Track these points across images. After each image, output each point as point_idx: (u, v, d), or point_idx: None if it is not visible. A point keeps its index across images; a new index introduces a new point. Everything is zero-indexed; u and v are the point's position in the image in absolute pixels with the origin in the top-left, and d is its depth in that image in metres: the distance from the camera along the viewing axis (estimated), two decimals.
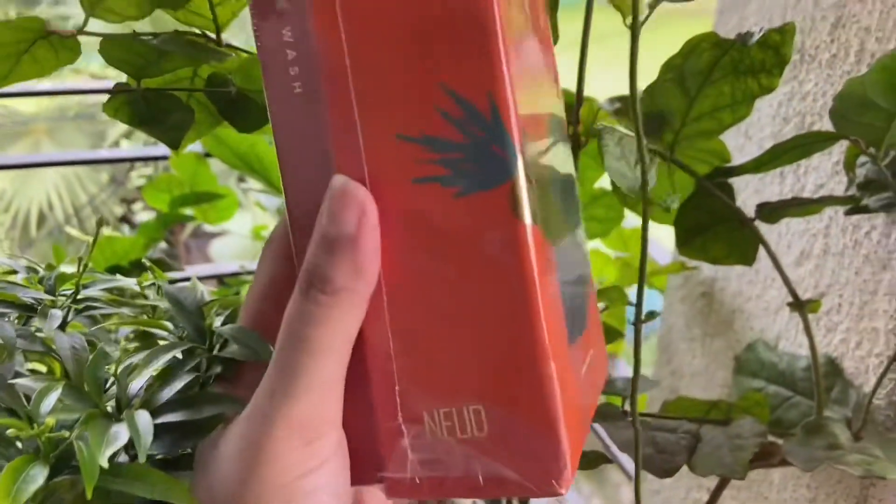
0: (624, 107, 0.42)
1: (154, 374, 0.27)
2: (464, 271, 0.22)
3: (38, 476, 0.22)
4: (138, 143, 3.89)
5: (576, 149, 0.40)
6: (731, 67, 0.38)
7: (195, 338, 0.28)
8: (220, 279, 0.97)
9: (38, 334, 0.38)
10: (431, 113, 0.22)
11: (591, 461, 0.43)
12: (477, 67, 0.21)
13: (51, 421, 0.23)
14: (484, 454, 0.23)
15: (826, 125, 0.45)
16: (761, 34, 0.36)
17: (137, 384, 0.27)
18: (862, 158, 0.41)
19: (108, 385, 0.30)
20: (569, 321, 0.25)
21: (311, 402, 0.22)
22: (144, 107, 0.35)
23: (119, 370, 0.27)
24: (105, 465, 0.22)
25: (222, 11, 0.35)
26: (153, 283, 0.41)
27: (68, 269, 0.43)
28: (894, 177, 0.39)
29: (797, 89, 0.46)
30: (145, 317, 0.40)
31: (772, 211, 0.42)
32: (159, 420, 0.24)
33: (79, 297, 0.40)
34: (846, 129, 0.37)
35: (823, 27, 0.44)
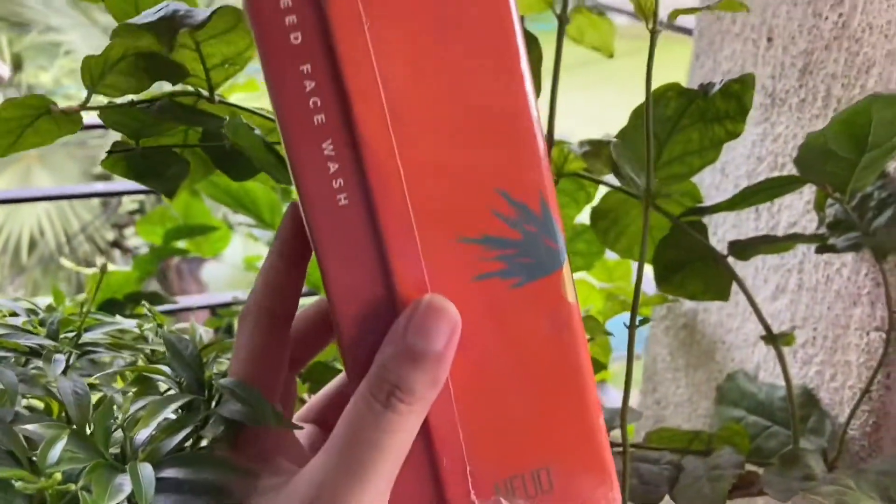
0: (594, 150, 0.44)
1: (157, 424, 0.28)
2: (522, 351, 0.25)
3: None
4: None
5: None
6: (699, 115, 0.40)
7: (195, 389, 0.29)
8: (212, 310, 0.98)
9: (36, 372, 0.39)
10: (489, 216, 0.24)
11: None
12: (529, 174, 0.23)
13: (58, 475, 0.24)
14: (552, 502, 0.25)
15: None
16: (722, 84, 0.39)
17: (143, 435, 0.28)
18: (831, 199, 0.43)
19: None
20: None
21: (375, 494, 0.23)
22: (142, 162, 0.37)
23: (125, 420, 0.28)
24: None
25: (215, 75, 0.36)
26: (153, 326, 0.42)
27: (67, 298, 0.44)
28: (861, 218, 0.41)
29: (769, 131, 0.48)
30: (143, 357, 0.41)
31: (743, 248, 0.44)
32: (161, 474, 0.25)
33: (80, 341, 0.41)
34: (811, 177, 0.39)
35: (792, 73, 0.46)
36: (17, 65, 4.15)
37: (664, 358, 0.62)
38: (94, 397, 0.37)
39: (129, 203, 3.84)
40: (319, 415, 0.31)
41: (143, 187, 0.92)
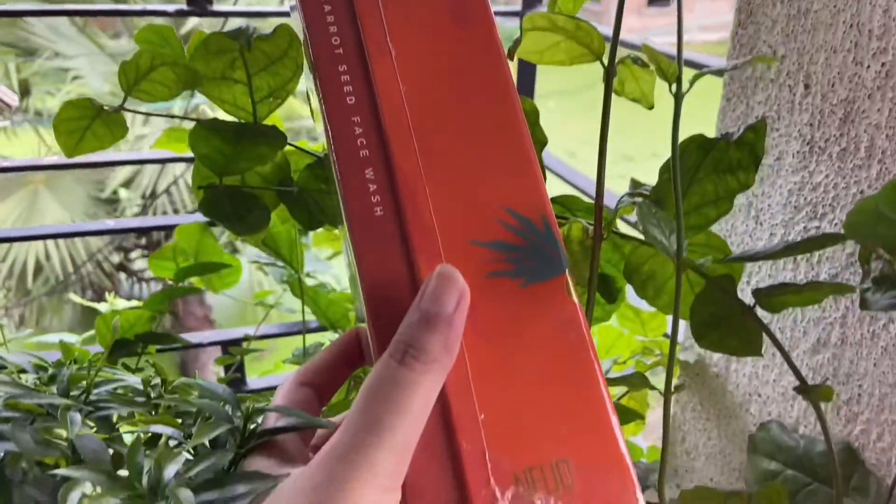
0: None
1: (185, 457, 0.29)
2: (535, 345, 0.27)
3: None
4: (136, 192, 3.90)
5: (598, 241, 0.41)
6: (713, 167, 0.40)
7: (227, 418, 0.32)
8: (224, 347, 0.96)
9: (46, 434, 0.38)
10: (497, 225, 0.28)
11: None
12: (532, 197, 0.29)
13: None
14: (574, 500, 0.25)
15: (838, 216, 0.45)
16: (741, 132, 0.38)
17: (172, 469, 0.28)
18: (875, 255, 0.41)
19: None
20: None
21: (392, 456, 0.24)
22: (227, 203, 0.42)
23: (158, 455, 0.29)
24: None
25: (261, 108, 0.41)
26: (159, 383, 0.41)
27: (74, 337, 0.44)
28: None
29: (808, 179, 0.47)
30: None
31: (769, 296, 0.42)
32: (199, 499, 0.26)
33: (90, 398, 0.40)
34: (860, 239, 0.38)
35: (833, 121, 0.45)
36: (25, 90, 4.17)
37: (694, 406, 0.60)
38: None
39: None
40: (306, 378, 0.34)
41: (159, 223, 0.90)
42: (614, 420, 0.27)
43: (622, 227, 0.50)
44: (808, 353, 0.48)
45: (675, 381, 0.59)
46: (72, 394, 0.40)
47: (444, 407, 0.26)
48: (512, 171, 0.29)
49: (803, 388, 0.42)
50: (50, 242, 3.63)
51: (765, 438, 0.51)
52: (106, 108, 0.43)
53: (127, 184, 3.88)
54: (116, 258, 4.00)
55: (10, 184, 3.74)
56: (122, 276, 4.10)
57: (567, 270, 0.28)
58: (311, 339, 0.94)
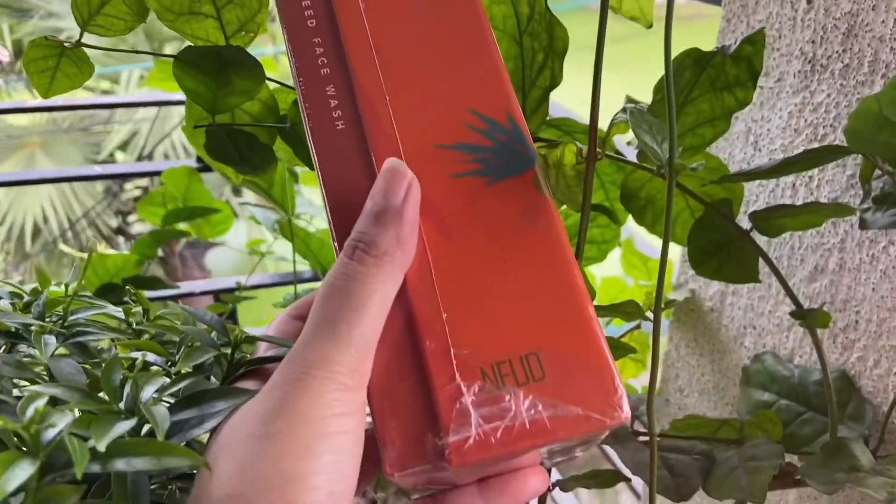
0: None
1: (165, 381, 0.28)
2: (503, 239, 0.27)
3: (23, 471, 0.21)
4: (133, 155, 3.88)
5: (591, 163, 0.40)
6: (709, 84, 0.38)
7: (215, 346, 0.31)
8: (216, 295, 0.95)
9: (26, 360, 0.36)
10: (463, 128, 0.28)
11: (608, 479, 0.41)
12: (497, 96, 0.29)
13: (38, 413, 0.22)
14: (546, 395, 0.24)
15: (839, 137, 0.44)
16: (737, 45, 0.36)
17: (150, 389, 0.27)
18: (878, 171, 0.40)
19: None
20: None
21: (348, 352, 0.24)
22: (232, 147, 0.42)
23: (136, 374, 0.28)
24: (103, 448, 0.22)
25: (234, 43, 0.41)
26: (140, 312, 0.40)
27: (55, 289, 0.42)
28: None
29: (809, 100, 0.45)
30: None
31: (766, 219, 0.41)
32: (176, 417, 0.25)
33: (67, 323, 0.39)
34: (861, 147, 0.36)
35: (835, 37, 0.43)
36: (19, 51, 4.12)
37: (688, 343, 0.59)
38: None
39: (132, 190, 3.82)
40: (300, 312, 0.33)
41: (147, 168, 0.88)
42: (590, 309, 0.26)
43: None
44: (806, 281, 0.47)
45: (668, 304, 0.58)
46: (48, 319, 0.39)
47: (407, 307, 0.26)
48: (476, 74, 0.29)
49: (800, 314, 0.41)
50: (47, 205, 3.62)
51: (758, 370, 0.50)
52: (66, 43, 0.43)
53: (123, 146, 3.85)
54: (115, 222, 3.98)
55: (6, 146, 3.72)
56: (121, 239, 4.09)
57: (537, 166, 0.28)
58: (304, 288, 0.93)
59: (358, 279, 0.25)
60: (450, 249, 0.27)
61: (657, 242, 0.44)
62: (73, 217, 3.67)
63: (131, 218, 4.05)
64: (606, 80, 0.37)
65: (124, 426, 0.24)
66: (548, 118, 0.42)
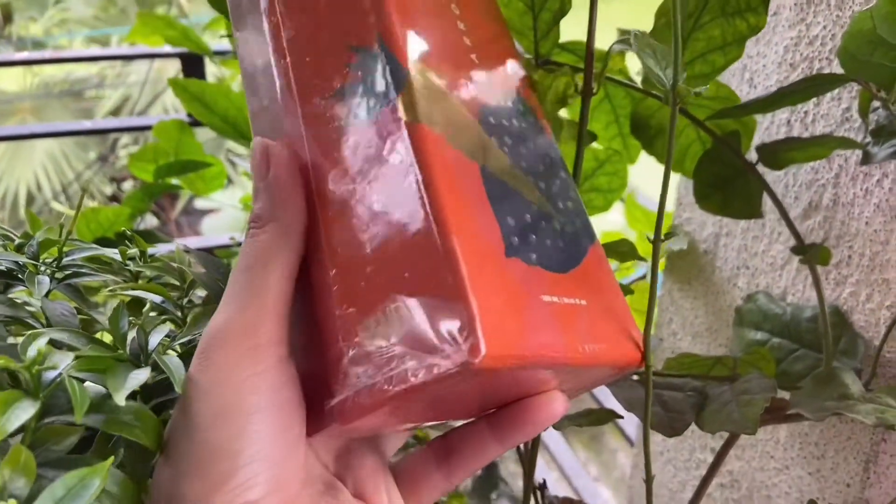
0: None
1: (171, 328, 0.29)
2: (379, 183, 0.25)
3: (24, 412, 0.21)
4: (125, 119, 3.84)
5: (587, 97, 0.39)
6: (720, 9, 0.37)
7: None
8: (210, 252, 0.95)
9: (19, 301, 0.36)
10: (344, 70, 0.27)
11: (600, 418, 0.41)
12: (369, 20, 0.27)
13: (40, 354, 0.22)
14: (412, 348, 0.23)
15: (836, 70, 0.43)
16: None
17: (157, 337, 0.27)
18: (875, 103, 0.39)
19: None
20: (517, 240, 0.26)
21: (248, 313, 0.25)
22: None
23: (143, 321, 0.28)
24: (122, 402, 0.22)
25: None
26: (137, 253, 0.39)
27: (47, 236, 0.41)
28: None
29: (804, 33, 0.44)
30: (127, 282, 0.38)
31: (773, 152, 0.40)
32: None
33: (62, 264, 0.38)
34: (856, 71, 0.36)
35: None
36: (7, 16, 4.05)
37: (682, 287, 0.59)
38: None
39: (125, 158, 3.78)
40: None
41: (138, 123, 0.88)
42: (454, 240, 0.23)
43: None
44: (800, 218, 0.47)
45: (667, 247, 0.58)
46: (43, 260, 0.38)
47: (306, 272, 0.26)
48: (357, 8, 0.27)
49: (801, 249, 0.41)
50: (41, 172, 3.59)
51: (751, 309, 0.50)
52: None
53: (115, 112, 3.82)
54: (109, 190, 3.96)
55: None
56: (115, 206, 4.07)
57: (411, 88, 0.26)
58: None
59: (250, 252, 0.26)
60: (337, 206, 0.26)
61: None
62: (67, 184, 3.64)
63: (125, 185, 4.02)
64: (613, 9, 0.35)
65: (141, 376, 0.24)
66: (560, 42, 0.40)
